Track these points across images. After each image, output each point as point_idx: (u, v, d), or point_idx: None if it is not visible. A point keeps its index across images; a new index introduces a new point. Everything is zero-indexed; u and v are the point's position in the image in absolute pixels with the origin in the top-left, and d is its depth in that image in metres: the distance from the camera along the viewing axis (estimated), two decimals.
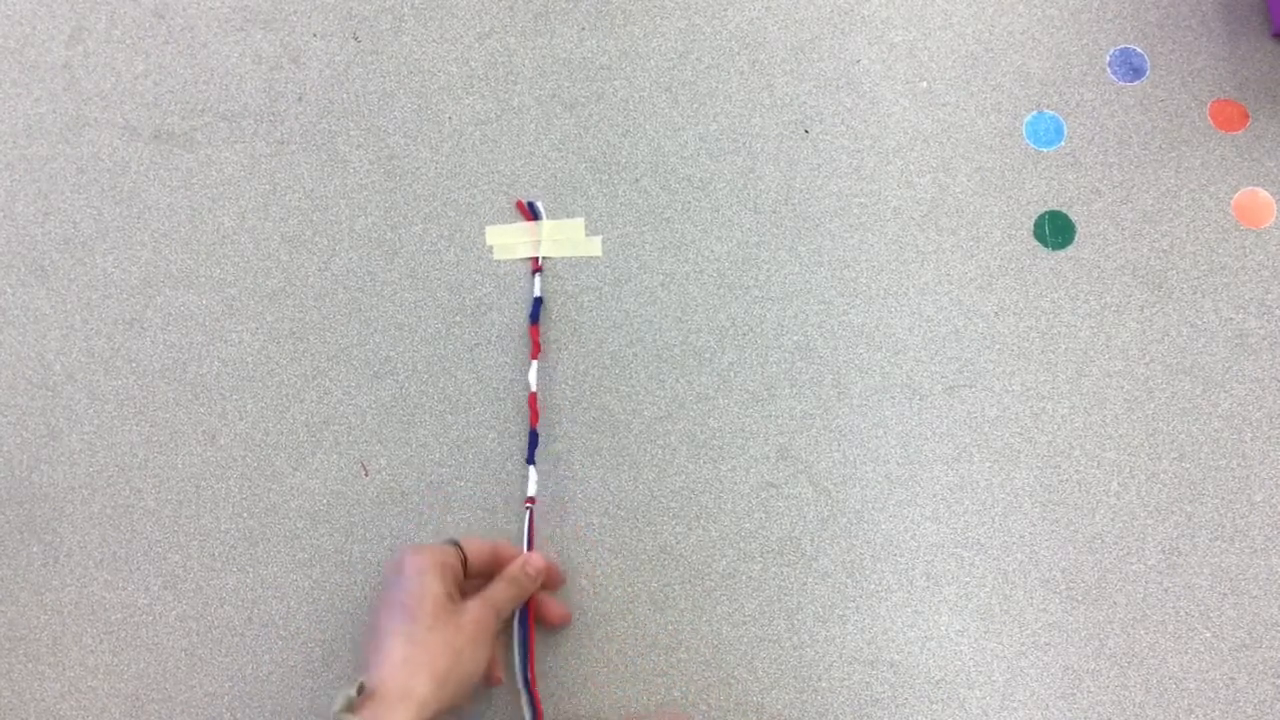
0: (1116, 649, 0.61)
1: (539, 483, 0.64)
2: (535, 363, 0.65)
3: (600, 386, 0.65)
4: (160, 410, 0.65)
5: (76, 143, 0.70)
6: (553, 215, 0.69)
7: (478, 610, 0.56)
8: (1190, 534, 0.63)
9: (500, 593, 0.58)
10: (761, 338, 0.67)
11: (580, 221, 0.68)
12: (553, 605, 0.61)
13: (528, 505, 0.62)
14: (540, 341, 0.66)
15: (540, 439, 0.64)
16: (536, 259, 0.67)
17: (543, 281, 0.67)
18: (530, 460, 0.63)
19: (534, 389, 0.64)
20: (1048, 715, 0.60)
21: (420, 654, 0.52)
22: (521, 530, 0.62)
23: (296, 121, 0.70)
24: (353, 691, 0.50)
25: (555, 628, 0.61)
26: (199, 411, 0.65)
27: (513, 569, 0.59)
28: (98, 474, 0.64)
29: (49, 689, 0.61)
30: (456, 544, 0.58)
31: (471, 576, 0.59)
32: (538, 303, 0.66)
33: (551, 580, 0.61)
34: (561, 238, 0.68)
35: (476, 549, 0.59)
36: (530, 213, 0.68)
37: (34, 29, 0.72)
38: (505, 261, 0.68)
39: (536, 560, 0.59)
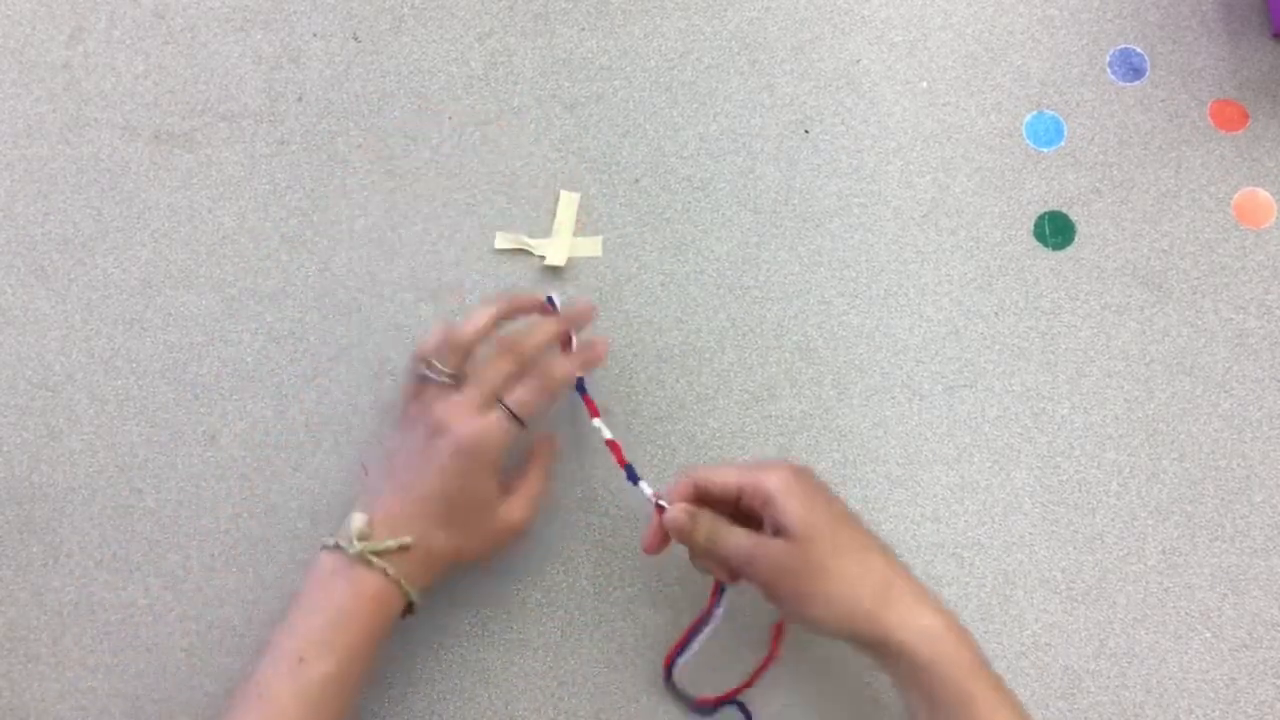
0: (1116, 649, 0.61)
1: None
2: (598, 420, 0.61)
3: (600, 386, 0.65)
4: (160, 410, 0.65)
5: (76, 143, 0.70)
6: (552, 215, 0.69)
7: (521, 517, 0.57)
8: (1190, 534, 0.63)
9: (538, 488, 0.58)
10: (761, 338, 0.67)
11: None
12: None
13: (657, 500, 0.57)
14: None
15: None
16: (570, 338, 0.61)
17: (544, 288, 0.67)
18: (633, 479, 0.59)
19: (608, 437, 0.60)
20: (1048, 715, 0.60)
21: (455, 551, 0.55)
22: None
23: (296, 121, 0.70)
24: (394, 544, 0.52)
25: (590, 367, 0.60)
26: (199, 411, 0.65)
27: (545, 460, 0.60)
28: (98, 474, 0.64)
29: (49, 689, 0.61)
30: (512, 415, 0.54)
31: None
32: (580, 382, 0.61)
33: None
34: (564, 242, 0.68)
35: (537, 413, 0.56)
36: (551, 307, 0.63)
37: (34, 29, 0.72)
38: (506, 261, 0.68)
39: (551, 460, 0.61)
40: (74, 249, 0.68)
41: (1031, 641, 0.61)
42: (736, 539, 0.53)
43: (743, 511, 0.55)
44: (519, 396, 0.55)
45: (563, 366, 0.57)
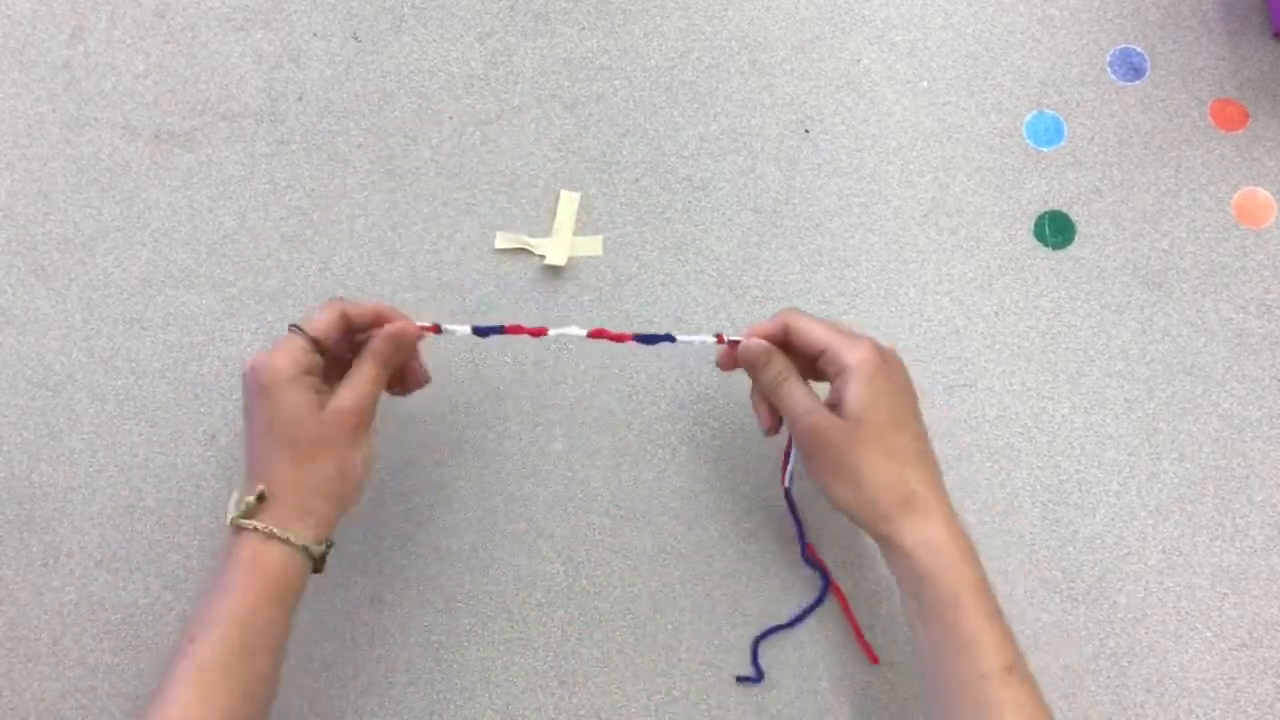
0: (1116, 649, 0.61)
1: (536, 482, 0.64)
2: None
3: (600, 386, 0.65)
4: (160, 410, 0.65)
5: (76, 143, 0.70)
6: (553, 215, 0.69)
7: (350, 401, 0.53)
8: (1190, 534, 0.63)
9: (365, 373, 0.54)
10: None
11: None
12: (415, 368, 0.58)
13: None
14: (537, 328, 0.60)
15: (540, 439, 0.64)
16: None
17: (544, 287, 0.67)
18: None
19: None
20: None
21: (310, 476, 0.52)
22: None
23: (296, 121, 0.70)
24: (252, 498, 0.51)
25: (411, 390, 0.59)
26: (199, 411, 0.65)
27: (373, 344, 0.55)
28: (98, 474, 0.64)
29: (49, 689, 0.61)
30: (300, 329, 0.54)
31: (333, 351, 0.55)
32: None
33: (407, 340, 0.57)
34: (564, 242, 0.68)
35: (323, 327, 0.54)
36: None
37: (34, 29, 0.72)
38: (506, 261, 0.68)
39: (391, 328, 0.55)
40: (74, 249, 0.68)
41: (1031, 641, 0.61)
42: (796, 394, 0.55)
43: (817, 370, 0.57)
44: (313, 317, 0.55)
45: (369, 301, 0.57)
